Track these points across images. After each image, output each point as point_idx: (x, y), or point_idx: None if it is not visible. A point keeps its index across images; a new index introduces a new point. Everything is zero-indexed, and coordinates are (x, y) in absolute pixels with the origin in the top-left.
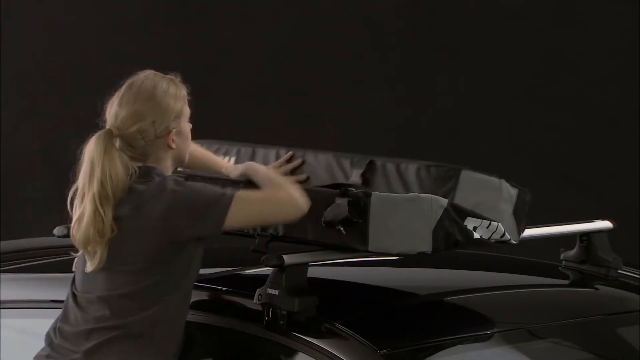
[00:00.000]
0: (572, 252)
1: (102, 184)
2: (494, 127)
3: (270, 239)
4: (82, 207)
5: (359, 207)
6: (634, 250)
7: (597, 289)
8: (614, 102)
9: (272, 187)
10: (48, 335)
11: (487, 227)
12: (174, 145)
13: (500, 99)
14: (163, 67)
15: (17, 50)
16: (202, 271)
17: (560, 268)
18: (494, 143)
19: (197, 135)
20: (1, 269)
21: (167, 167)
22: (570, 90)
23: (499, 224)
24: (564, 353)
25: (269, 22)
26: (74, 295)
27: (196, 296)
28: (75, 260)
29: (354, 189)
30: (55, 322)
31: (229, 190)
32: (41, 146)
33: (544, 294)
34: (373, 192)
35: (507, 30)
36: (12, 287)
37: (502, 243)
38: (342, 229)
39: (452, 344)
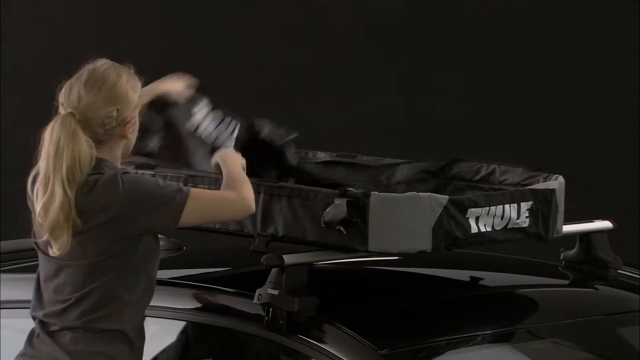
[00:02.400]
0: (572, 252)
1: (70, 168)
2: (494, 127)
3: (270, 239)
4: (48, 192)
5: (358, 207)
6: (634, 250)
7: (597, 289)
8: (614, 102)
9: (227, 185)
10: (29, 334)
11: (488, 214)
12: (130, 136)
13: (500, 99)
14: (163, 67)
15: (17, 50)
16: (202, 271)
17: (560, 268)
18: (494, 143)
19: None
20: (1, 269)
21: (117, 157)
22: (571, 90)
23: (503, 206)
24: (564, 353)
25: (268, 22)
26: (40, 296)
27: (196, 296)
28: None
29: (353, 189)
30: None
31: (184, 188)
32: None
33: (544, 294)
34: (372, 192)
35: (507, 30)
36: (12, 287)
37: (512, 233)
38: (342, 229)
39: (452, 344)
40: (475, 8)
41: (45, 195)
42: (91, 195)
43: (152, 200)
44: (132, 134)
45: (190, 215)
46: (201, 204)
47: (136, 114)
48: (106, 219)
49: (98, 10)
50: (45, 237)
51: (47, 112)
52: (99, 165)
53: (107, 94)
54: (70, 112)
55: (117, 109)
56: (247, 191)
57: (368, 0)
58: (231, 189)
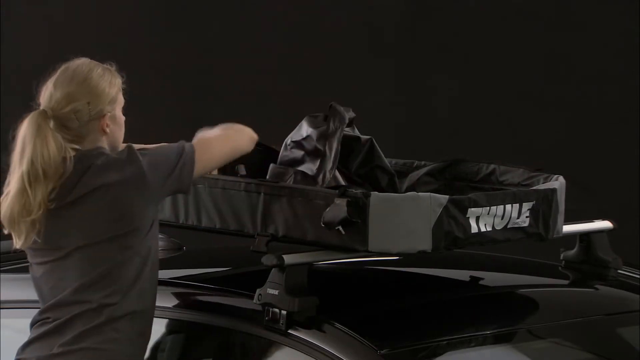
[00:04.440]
0: (572, 252)
1: (31, 163)
2: (494, 127)
3: (270, 239)
4: (7, 186)
5: (358, 207)
6: (634, 250)
7: (597, 289)
8: (614, 102)
9: (221, 129)
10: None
11: (488, 214)
12: (107, 130)
13: (500, 100)
14: (163, 67)
15: (17, 50)
16: (202, 271)
17: (560, 268)
18: (493, 143)
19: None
20: (1, 269)
21: None
22: (570, 91)
23: (504, 206)
24: (564, 353)
25: (268, 22)
26: (42, 294)
27: (196, 296)
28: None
29: (353, 190)
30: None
31: (185, 143)
32: None
33: (544, 294)
34: (372, 192)
35: (506, 30)
36: (12, 287)
37: (512, 232)
38: (341, 229)
39: (452, 344)
40: (475, 8)
41: (7, 188)
42: (101, 173)
43: (167, 163)
44: (113, 129)
45: (201, 165)
46: (207, 151)
47: (114, 109)
48: (125, 190)
49: (98, 10)
50: (5, 230)
51: None
52: (92, 152)
53: (76, 87)
54: (42, 110)
55: (88, 102)
56: (239, 126)
57: (368, 0)
58: (227, 129)
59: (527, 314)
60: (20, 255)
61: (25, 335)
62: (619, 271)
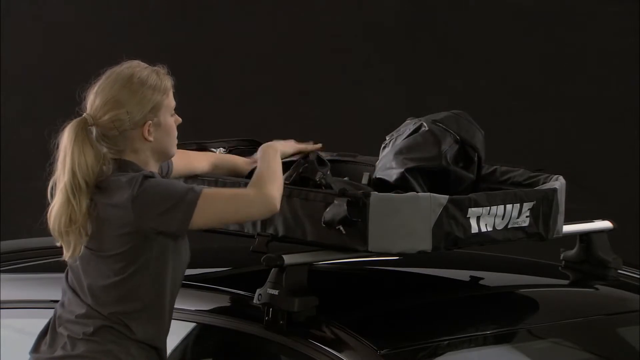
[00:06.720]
0: (572, 252)
1: (73, 173)
2: (494, 127)
3: (270, 239)
4: (54, 197)
5: (358, 207)
6: (634, 250)
7: (597, 289)
8: (615, 102)
9: (253, 182)
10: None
11: (489, 213)
12: (150, 138)
13: (501, 99)
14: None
15: (17, 50)
16: (203, 271)
17: (560, 268)
18: (493, 143)
19: (201, 135)
20: (1, 269)
21: (146, 160)
22: (570, 90)
23: (504, 206)
24: (564, 353)
25: (268, 22)
26: (67, 284)
27: (197, 296)
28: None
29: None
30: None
31: (196, 187)
32: (41, 146)
33: (544, 294)
34: (372, 192)
35: (507, 30)
36: (12, 287)
37: (512, 232)
38: (341, 229)
39: (452, 344)
40: (475, 8)
41: (52, 200)
42: (107, 194)
43: (162, 202)
44: (158, 136)
45: (203, 216)
46: (214, 203)
47: (158, 116)
48: (118, 218)
49: (98, 10)
50: (58, 243)
51: (47, 112)
52: (125, 167)
53: (115, 95)
54: (83, 117)
55: (127, 111)
56: (271, 188)
57: (368, 0)
58: (254, 185)
59: (527, 314)
60: (20, 255)
61: (25, 335)
62: (619, 271)
